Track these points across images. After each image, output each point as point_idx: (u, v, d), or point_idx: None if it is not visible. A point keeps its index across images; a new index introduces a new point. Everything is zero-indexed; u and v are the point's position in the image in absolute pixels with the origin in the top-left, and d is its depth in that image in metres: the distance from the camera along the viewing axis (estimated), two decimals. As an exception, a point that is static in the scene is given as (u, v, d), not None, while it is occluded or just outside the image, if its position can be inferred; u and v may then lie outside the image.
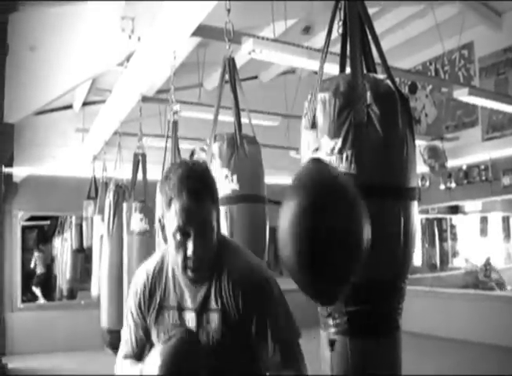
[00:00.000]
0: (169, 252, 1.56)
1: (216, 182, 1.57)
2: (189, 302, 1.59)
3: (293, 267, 1.53)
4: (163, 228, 1.54)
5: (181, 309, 1.60)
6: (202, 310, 1.57)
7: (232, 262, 1.58)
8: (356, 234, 1.49)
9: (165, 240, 1.55)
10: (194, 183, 1.47)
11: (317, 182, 1.50)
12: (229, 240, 1.72)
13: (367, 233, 1.51)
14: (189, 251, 1.46)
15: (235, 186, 2.72)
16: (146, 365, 1.52)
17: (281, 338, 1.55)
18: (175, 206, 1.45)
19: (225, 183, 2.73)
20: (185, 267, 1.49)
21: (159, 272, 1.65)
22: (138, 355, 1.70)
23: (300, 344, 1.60)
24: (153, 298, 1.63)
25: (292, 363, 1.56)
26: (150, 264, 1.69)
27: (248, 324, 1.53)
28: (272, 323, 1.54)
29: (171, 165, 1.57)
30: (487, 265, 9.92)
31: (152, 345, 1.67)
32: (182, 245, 1.47)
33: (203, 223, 1.48)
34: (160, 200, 1.52)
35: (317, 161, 1.55)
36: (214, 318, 1.55)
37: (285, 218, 1.50)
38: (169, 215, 1.48)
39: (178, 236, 1.46)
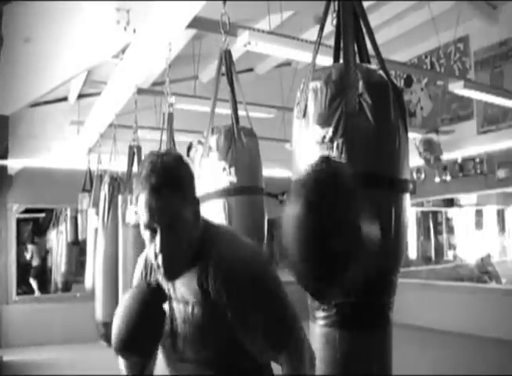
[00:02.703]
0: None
1: (189, 173, 1.50)
2: (177, 293, 1.55)
3: (298, 262, 1.53)
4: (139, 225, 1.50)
5: (170, 298, 1.57)
6: (186, 302, 1.52)
7: (222, 252, 1.49)
8: (357, 231, 1.47)
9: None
10: (157, 179, 1.40)
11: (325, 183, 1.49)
12: (223, 230, 1.63)
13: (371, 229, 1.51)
14: (157, 248, 1.41)
15: (233, 178, 2.73)
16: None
17: (273, 335, 1.48)
18: (141, 202, 1.41)
19: (223, 176, 2.73)
20: (157, 265, 1.45)
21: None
22: None
23: (299, 337, 1.51)
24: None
25: (288, 362, 1.49)
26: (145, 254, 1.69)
27: (236, 318, 1.45)
28: (261, 320, 1.46)
29: (143, 159, 1.50)
30: (485, 258, 9.96)
31: None
32: (151, 242, 1.43)
33: (169, 219, 1.40)
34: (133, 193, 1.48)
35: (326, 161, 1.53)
36: (200, 311, 1.49)
37: (292, 214, 1.50)
38: (139, 211, 1.44)
39: (147, 233, 1.43)
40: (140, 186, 1.41)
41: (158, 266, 1.44)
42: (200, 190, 2.86)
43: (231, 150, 2.76)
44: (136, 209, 1.48)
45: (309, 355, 1.52)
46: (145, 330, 1.48)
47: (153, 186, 1.38)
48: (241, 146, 2.78)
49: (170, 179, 1.42)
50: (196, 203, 1.50)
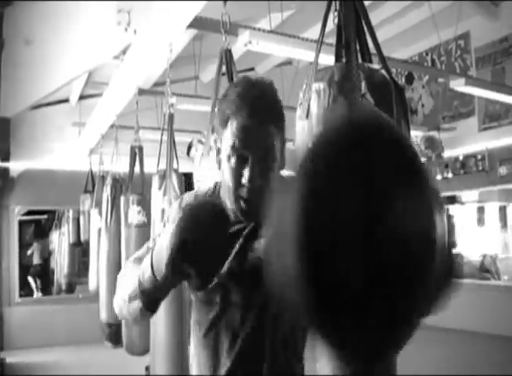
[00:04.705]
0: (222, 181, 1.34)
1: (282, 104, 1.35)
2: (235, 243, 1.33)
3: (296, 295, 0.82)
4: (218, 151, 1.33)
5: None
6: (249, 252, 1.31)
7: None
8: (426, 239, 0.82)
9: (219, 164, 1.34)
10: (256, 100, 1.25)
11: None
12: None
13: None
14: (244, 179, 1.24)
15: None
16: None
17: None
18: (232, 125, 1.25)
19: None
20: (237, 197, 1.27)
21: None
22: None
23: None
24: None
25: None
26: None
27: None
28: None
29: (233, 81, 1.37)
30: (493, 256, 9.96)
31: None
32: (236, 171, 1.25)
33: (264, 147, 1.25)
34: (216, 119, 1.33)
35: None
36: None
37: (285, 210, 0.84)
38: (225, 136, 1.28)
39: (233, 160, 1.25)
40: (237, 109, 1.24)
41: (238, 199, 1.27)
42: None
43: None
44: (216, 137, 1.33)
45: None
46: (213, 245, 1.13)
47: (254, 107, 1.24)
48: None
49: (271, 104, 1.31)
50: (284, 140, 1.34)
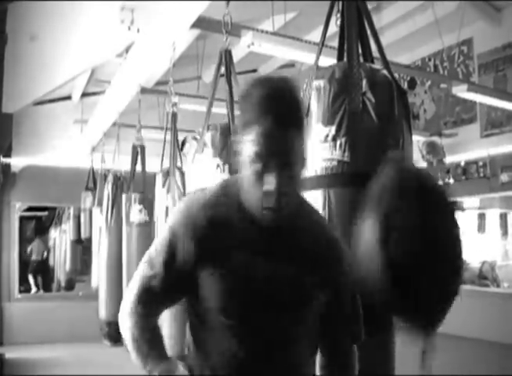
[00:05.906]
0: (241, 184, 1.28)
1: (303, 105, 1.29)
2: (255, 245, 1.31)
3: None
4: (239, 153, 1.26)
5: (245, 250, 1.30)
6: (270, 256, 1.30)
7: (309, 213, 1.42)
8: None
9: (239, 168, 1.28)
10: (281, 104, 1.19)
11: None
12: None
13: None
14: (269, 186, 1.18)
15: (226, 176, 2.70)
16: None
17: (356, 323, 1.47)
18: (256, 130, 1.19)
19: (216, 173, 2.71)
20: (261, 204, 1.22)
21: (220, 207, 1.33)
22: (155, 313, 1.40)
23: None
24: (213, 240, 1.30)
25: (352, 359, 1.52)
26: (208, 196, 1.36)
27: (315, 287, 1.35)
28: (342, 298, 1.42)
29: (255, 80, 1.26)
30: (491, 263, 9.94)
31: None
32: (260, 178, 1.20)
33: (290, 153, 1.20)
34: (238, 121, 1.29)
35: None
36: (282, 269, 1.30)
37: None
38: (248, 139, 1.21)
39: (258, 167, 1.20)
40: (262, 114, 1.18)
41: (262, 206, 1.22)
42: (190, 186, 2.87)
43: (226, 148, 2.75)
44: (238, 139, 1.25)
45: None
46: None
47: (279, 113, 1.18)
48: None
49: (296, 108, 1.24)
50: (305, 143, 1.30)
